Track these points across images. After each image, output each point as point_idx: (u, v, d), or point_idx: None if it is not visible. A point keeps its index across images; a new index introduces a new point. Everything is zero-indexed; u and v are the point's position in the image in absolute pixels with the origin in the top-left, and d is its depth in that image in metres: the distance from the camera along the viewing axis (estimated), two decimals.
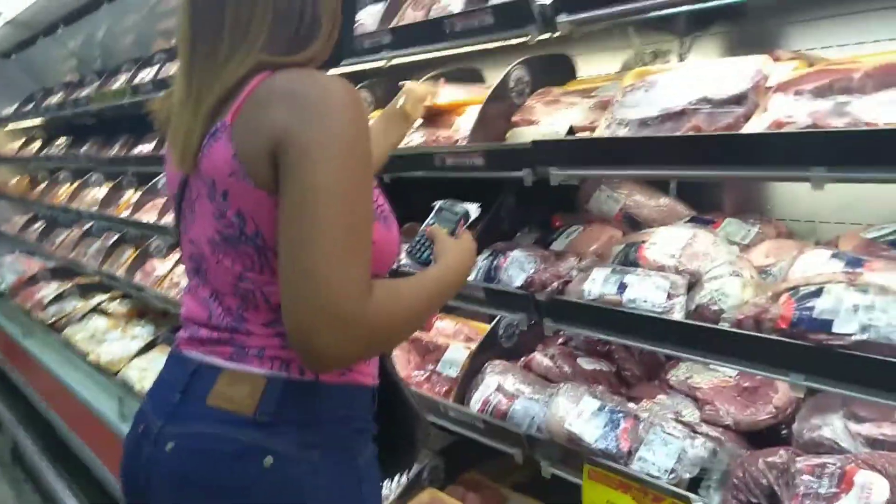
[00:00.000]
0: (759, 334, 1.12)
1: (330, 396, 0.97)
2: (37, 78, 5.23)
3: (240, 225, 0.91)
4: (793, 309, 1.08)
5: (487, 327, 1.88)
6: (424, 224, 1.20)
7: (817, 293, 1.07)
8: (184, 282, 3.01)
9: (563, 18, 1.40)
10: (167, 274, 3.14)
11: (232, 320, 0.96)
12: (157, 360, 3.06)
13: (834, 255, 1.19)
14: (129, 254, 3.54)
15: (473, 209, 1.23)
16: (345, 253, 0.82)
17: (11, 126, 5.25)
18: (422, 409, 1.18)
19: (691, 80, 1.32)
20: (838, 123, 1.04)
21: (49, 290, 4.11)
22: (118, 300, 3.82)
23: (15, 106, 5.09)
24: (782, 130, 1.09)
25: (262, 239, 0.91)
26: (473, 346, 1.87)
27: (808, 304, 1.07)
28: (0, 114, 5.25)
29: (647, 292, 1.31)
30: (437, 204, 1.24)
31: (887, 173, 0.98)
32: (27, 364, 3.89)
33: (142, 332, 3.41)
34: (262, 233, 0.90)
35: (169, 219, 3.13)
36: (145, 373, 2.96)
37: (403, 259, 1.21)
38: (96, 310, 3.73)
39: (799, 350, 1.06)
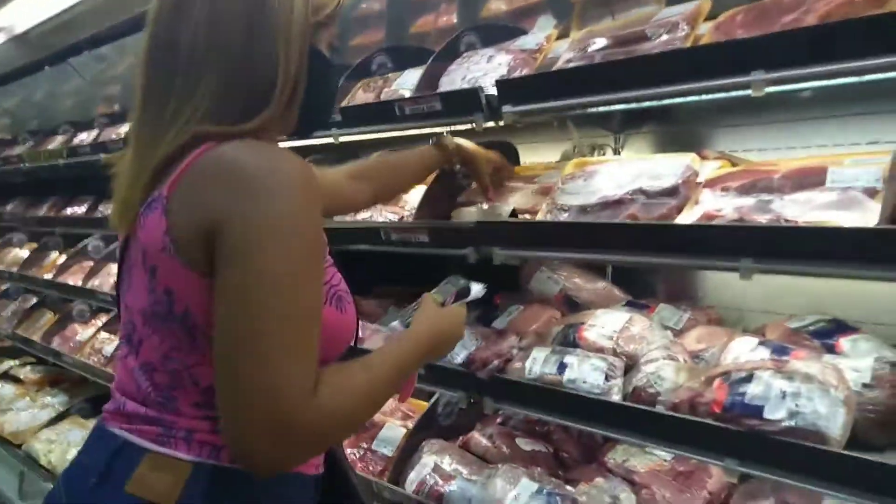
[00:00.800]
0: (695, 418, 1.14)
1: (266, 489, 0.89)
2: None
3: (168, 303, 0.85)
4: (725, 394, 1.12)
5: (425, 405, 1.85)
6: (426, 294, 1.17)
7: (748, 379, 1.12)
8: (106, 348, 2.88)
9: (508, 109, 1.47)
10: (89, 340, 2.97)
11: (160, 397, 0.89)
12: (67, 433, 2.84)
13: (761, 343, 1.25)
14: (47, 318, 3.34)
15: (477, 288, 1.19)
16: (286, 352, 0.76)
17: None
18: (366, 496, 1.11)
19: (628, 172, 1.40)
20: (762, 219, 1.12)
21: None
22: (30, 367, 3.56)
23: None
24: (713, 223, 1.16)
25: (191, 320, 0.84)
26: (410, 423, 1.83)
27: (740, 390, 1.11)
28: None
29: (587, 373, 1.33)
30: (448, 278, 1.21)
31: (808, 267, 1.05)
32: None
33: (53, 402, 3.18)
34: (192, 313, 0.84)
35: (95, 282, 2.99)
36: (53, 445, 2.74)
37: (395, 323, 1.16)
38: (5, 376, 3.47)
39: (733, 435, 1.08)
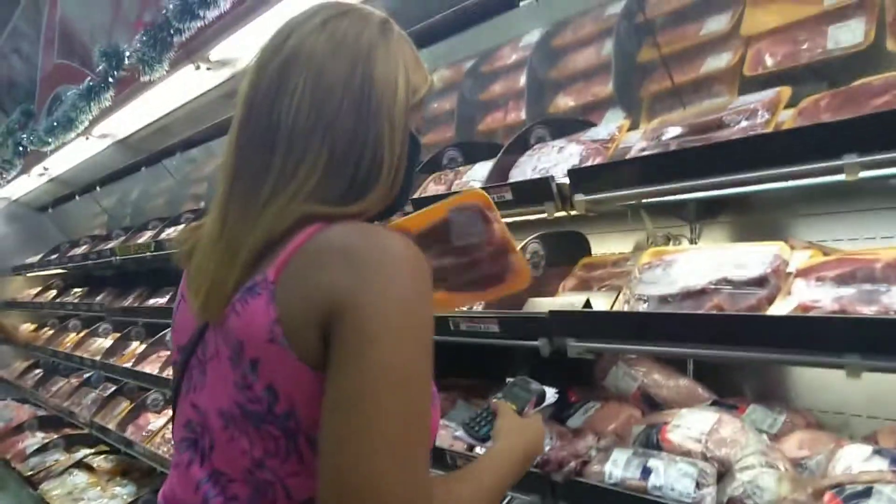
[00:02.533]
0: None
1: None
2: (67, 231, 5.47)
3: (269, 401, 0.75)
4: None
5: None
6: (491, 398, 1.12)
7: (866, 494, 0.98)
8: None
9: (580, 197, 1.46)
10: (160, 429, 3.01)
11: None
12: None
13: (876, 452, 1.11)
14: (123, 406, 3.43)
15: (551, 393, 1.14)
16: (407, 451, 0.69)
17: (33, 274, 5.37)
18: None
19: (710, 261, 1.33)
20: (868, 311, 1.02)
21: (33, 440, 3.94)
22: (104, 455, 3.63)
23: (40, 255, 5.25)
24: (812, 314, 1.07)
25: (294, 421, 0.75)
26: None
27: None
28: (25, 262, 5.40)
29: (675, 479, 1.22)
30: (511, 380, 1.15)
31: None
32: None
33: (122, 492, 3.20)
34: (297, 414, 0.75)
35: (170, 372, 3.07)
36: None
37: (459, 432, 1.10)
38: (79, 464, 3.53)
39: None
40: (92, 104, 3.13)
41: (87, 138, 3.59)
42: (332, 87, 0.81)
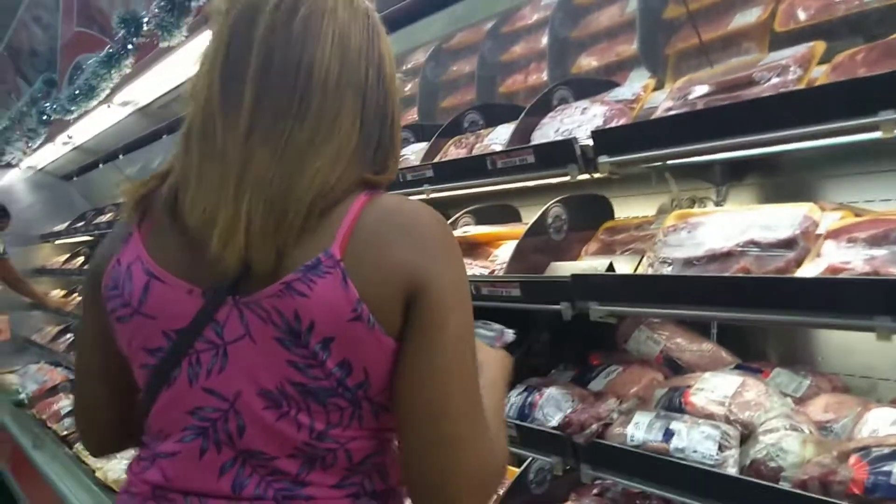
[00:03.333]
0: (830, 499, 1.00)
1: None
2: (92, 200, 5.54)
3: (341, 376, 0.77)
4: (866, 472, 0.98)
5: (516, 471, 1.75)
6: None
7: (892, 457, 0.97)
8: None
9: (604, 159, 1.43)
10: None
11: (282, 489, 0.79)
12: None
13: None
14: None
15: (510, 333, 1.18)
16: (479, 411, 0.79)
17: (60, 241, 5.47)
18: None
19: (736, 224, 1.30)
20: None
21: (67, 401, 4.05)
22: None
23: (66, 223, 5.34)
24: (842, 276, 1.04)
25: (364, 390, 0.78)
26: (500, 490, 1.73)
27: (884, 468, 0.97)
28: (52, 230, 5.50)
29: (697, 442, 1.22)
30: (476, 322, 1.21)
31: None
32: (31, 477, 3.75)
33: None
34: (369, 383, 0.78)
35: None
36: None
37: None
38: None
39: None
40: (112, 71, 3.13)
41: (108, 106, 3.60)
42: (357, 49, 0.81)
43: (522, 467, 1.71)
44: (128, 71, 3.11)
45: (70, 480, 3.33)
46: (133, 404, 0.90)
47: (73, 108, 3.62)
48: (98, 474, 3.12)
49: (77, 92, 3.45)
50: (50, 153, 5.04)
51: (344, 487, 0.82)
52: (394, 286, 0.75)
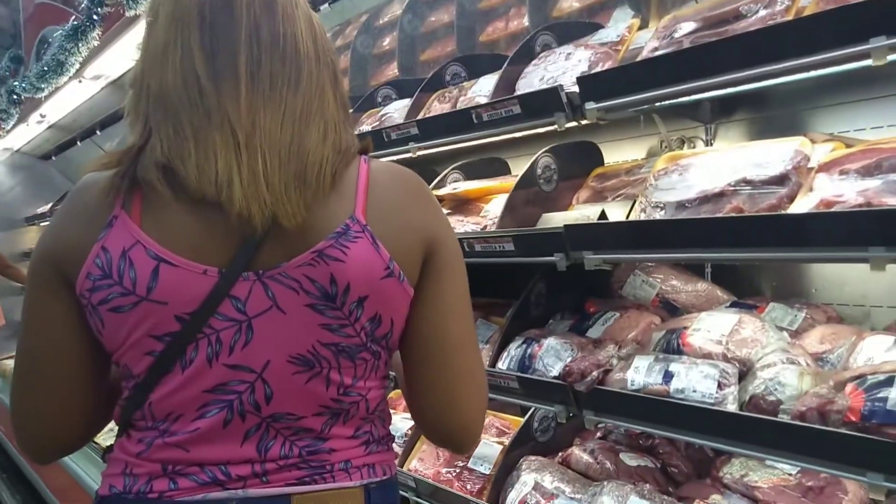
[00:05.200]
0: (828, 428, 1.03)
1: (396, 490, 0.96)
2: (73, 178, 5.44)
3: (370, 329, 0.83)
4: (862, 400, 1.00)
5: (520, 420, 1.78)
6: None
7: (888, 382, 0.99)
8: None
9: (591, 106, 1.40)
10: None
11: (306, 445, 0.84)
12: None
13: None
14: None
15: None
16: (477, 343, 0.93)
17: (45, 223, 5.40)
18: None
19: (727, 163, 1.29)
20: (894, 202, 0.99)
21: None
22: None
23: (50, 204, 5.26)
24: (834, 210, 1.04)
25: (386, 341, 0.87)
26: (506, 440, 1.77)
27: (880, 395, 0.99)
28: (36, 212, 5.42)
29: (696, 382, 1.23)
30: None
31: None
32: None
33: None
34: (392, 331, 0.87)
35: None
36: None
37: None
38: None
39: (877, 446, 0.96)
40: (80, 45, 3.03)
41: (80, 81, 3.50)
42: (321, 33, 0.88)
43: (526, 417, 1.74)
44: (96, 43, 3.01)
45: (83, 461, 3.38)
46: (103, 399, 0.88)
47: (42, 86, 3.51)
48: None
49: (45, 68, 3.34)
50: (25, 133, 4.92)
51: (358, 437, 0.88)
52: (416, 244, 0.85)
